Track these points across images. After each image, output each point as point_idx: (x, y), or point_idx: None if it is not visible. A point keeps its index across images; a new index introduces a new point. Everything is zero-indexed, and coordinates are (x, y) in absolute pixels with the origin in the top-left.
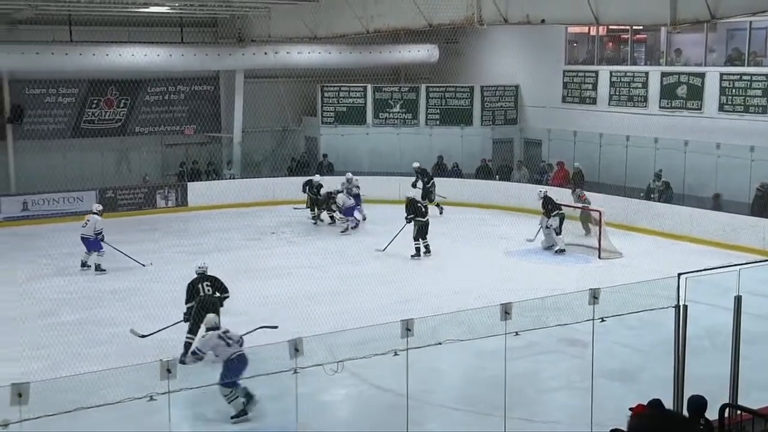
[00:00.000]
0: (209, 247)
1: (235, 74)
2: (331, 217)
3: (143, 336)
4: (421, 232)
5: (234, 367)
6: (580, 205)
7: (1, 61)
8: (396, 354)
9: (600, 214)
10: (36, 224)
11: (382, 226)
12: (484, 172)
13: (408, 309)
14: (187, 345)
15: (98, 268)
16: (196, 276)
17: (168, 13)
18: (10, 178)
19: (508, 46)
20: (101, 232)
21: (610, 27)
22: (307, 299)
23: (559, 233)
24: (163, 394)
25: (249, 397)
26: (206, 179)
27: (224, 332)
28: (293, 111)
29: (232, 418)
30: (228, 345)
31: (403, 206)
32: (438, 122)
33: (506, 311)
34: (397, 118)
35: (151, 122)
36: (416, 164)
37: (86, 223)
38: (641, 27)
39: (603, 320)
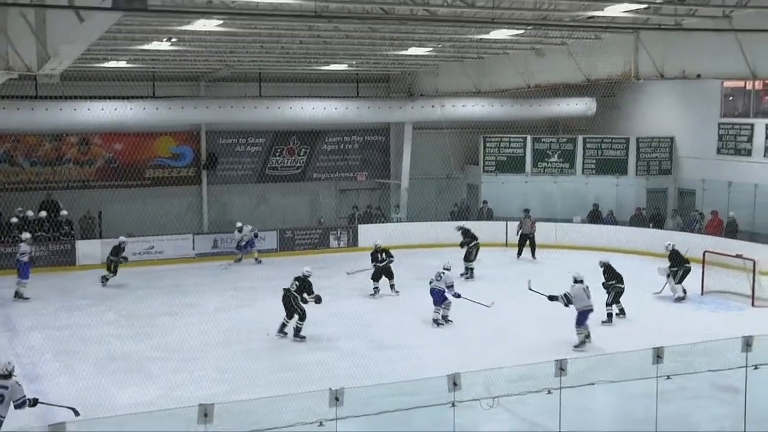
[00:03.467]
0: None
1: (405, 125)
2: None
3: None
4: (617, 297)
5: None
6: (733, 254)
7: (201, 115)
8: (549, 392)
9: (754, 262)
10: (225, 260)
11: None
12: (637, 221)
13: (561, 349)
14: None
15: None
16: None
17: (345, 70)
18: (203, 219)
19: (664, 100)
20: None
21: (767, 81)
22: (467, 338)
23: (678, 282)
24: (331, 420)
25: None
26: (375, 222)
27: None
28: (457, 160)
29: None
30: None
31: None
32: (594, 171)
33: (658, 355)
34: (554, 167)
35: (327, 169)
36: (459, 225)
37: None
38: None
39: (756, 368)
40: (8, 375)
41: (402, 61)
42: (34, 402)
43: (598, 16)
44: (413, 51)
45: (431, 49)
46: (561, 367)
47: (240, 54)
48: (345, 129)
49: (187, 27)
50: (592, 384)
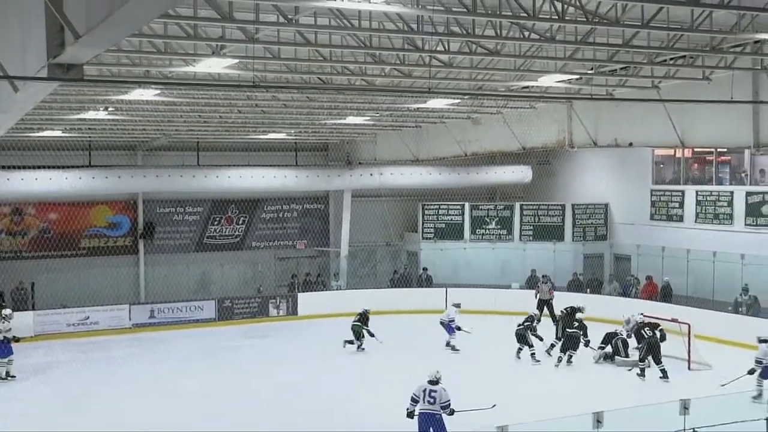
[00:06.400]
0: (317, 353)
1: (344, 194)
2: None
3: None
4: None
5: None
6: (669, 318)
7: (138, 183)
8: None
9: (689, 326)
10: (161, 330)
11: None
12: (575, 286)
13: (504, 414)
14: None
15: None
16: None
17: (284, 139)
18: (139, 288)
19: (598, 167)
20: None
21: (696, 149)
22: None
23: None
24: None
25: None
26: (315, 290)
27: None
28: (396, 227)
29: None
30: None
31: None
32: (531, 238)
33: (598, 420)
34: (492, 234)
35: (266, 237)
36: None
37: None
38: (725, 149)
39: (694, 431)
40: (436, 381)
41: (340, 129)
42: (451, 411)
43: (532, 87)
44: (351, 120)
45: (369, 118)
46: None
47: (178, 123)
48: (284, 197)
49: (124, 96)
50: None
